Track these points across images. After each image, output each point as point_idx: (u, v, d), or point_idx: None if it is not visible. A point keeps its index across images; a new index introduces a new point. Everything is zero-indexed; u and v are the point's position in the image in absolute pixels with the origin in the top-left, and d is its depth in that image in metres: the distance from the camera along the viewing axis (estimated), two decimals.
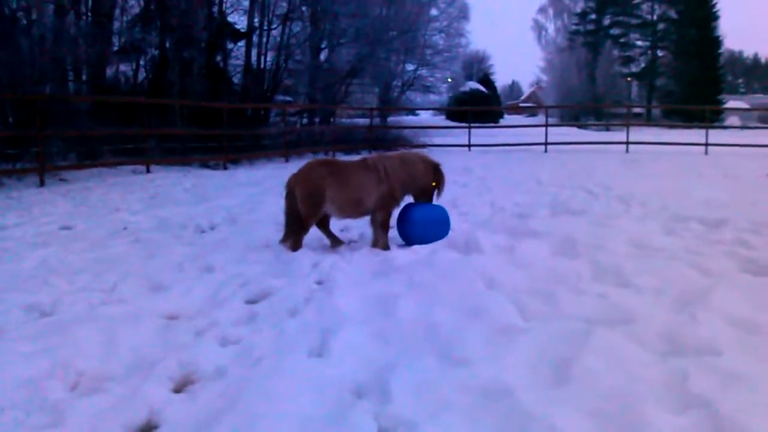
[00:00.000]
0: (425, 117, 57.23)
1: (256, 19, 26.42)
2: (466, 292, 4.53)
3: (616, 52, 65.04)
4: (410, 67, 44.34)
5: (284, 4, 27.63)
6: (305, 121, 29.54)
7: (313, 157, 16.60)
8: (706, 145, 24.44)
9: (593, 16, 69.92)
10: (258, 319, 4.49)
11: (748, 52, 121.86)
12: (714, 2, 61.38)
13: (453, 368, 3.41)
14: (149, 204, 10.85)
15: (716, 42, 61.07)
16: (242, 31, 26.35)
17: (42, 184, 13.07)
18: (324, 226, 7.19)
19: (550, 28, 76.58)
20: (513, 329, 3.85)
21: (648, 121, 52.60)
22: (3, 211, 9.83)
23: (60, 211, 9.91)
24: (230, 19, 26.76)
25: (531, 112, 67.92)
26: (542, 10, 76.48)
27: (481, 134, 29.61)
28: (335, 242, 7.14)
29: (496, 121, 48.61)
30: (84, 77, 20.81)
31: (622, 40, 67.51)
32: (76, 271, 5.86)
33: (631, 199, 9.84)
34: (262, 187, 12.91)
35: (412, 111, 53.59)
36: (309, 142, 24.68)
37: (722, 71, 62.73)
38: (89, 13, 20.97)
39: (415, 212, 7.04)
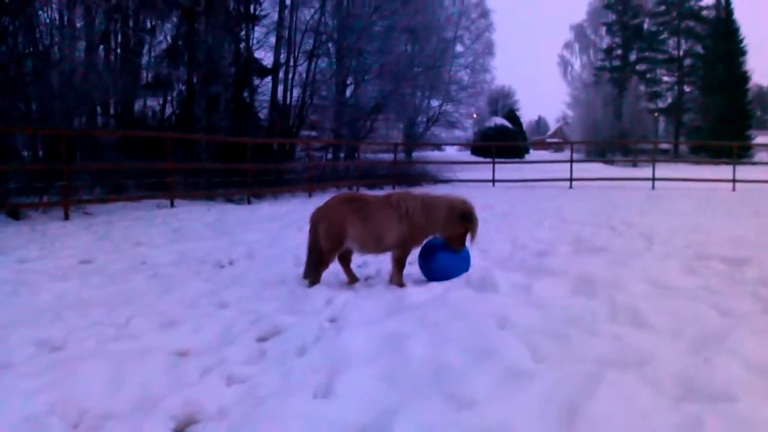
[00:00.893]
0: (451, 152, 57.44)
1: (282, 56, 26.80)
2: (477, 332, 4.45)
3: (642, 88, 64.98)
4: (435, 102, 44.74)
5: (310, 41, 28.06)
6: (330, 155, 29.75)
7: (336, 192, 16.65)
8: (734, 181, 24.13)
9: (619, 52, 70.06)
10: (266, 357, 4.46)
11: None
12: (741, 37, 61.15)
13: (459, 411, 3.33)
14: (170, 238, 10.91)
15: (743, 77, 60.69)
16: (268, 67, 26.74)
17: (66, 217, 13.23)
18: (345, 262, 7.18)
19: (576, 63, 76.89)
20: (523, 371, 3.76)
21: (675, 156, 52.22)
22: (26, 243, 9.95)
23: (81, 244, 10.00)
24: (257, 55, 27.25)
25: (557, 147, 67.80)
26: (568, 45, 76.93)
27: (506, 169, 29.60)
28: (352, 279, 7.12)
29: (522, 157, 48.66)
30: (112, 111, 21.21)
31: (648, 75, 67.51)
32: (91, 305, 5.87)
33: (654, 236, 9.68)
34: (283, 222, 12.94)
35: (437, 146, 53.82)
36: (333, 177, 24.84)
37: (750, 106, 62.19)
38: (118, 49, 21.43)
39: (434, 248, 7.00)
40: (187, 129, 21.05)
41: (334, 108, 29.10)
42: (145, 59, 23.03)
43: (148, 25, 22.37)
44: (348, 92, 30.60)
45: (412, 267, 7.54)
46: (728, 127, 53.50)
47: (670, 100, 67.71)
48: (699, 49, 65.29)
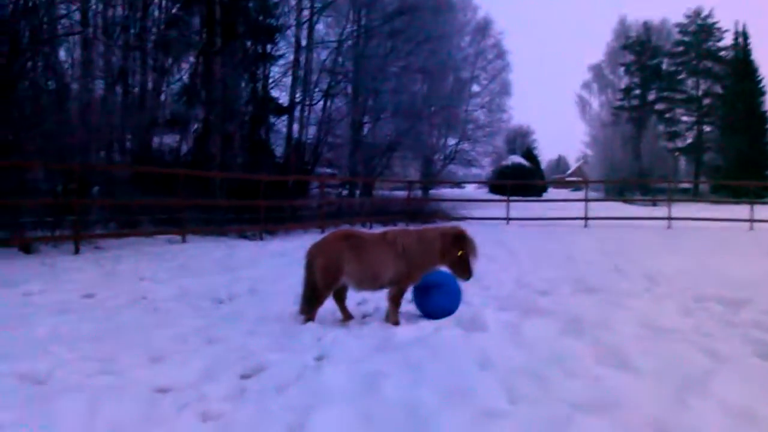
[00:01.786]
0: (469, 190, 57.51)
1: (298, 95, 27.17)
2: (456, 373, 4.44)
3: (661, 128, 64.80)
4: (452, 141, 44.89)
5: (326, 81, 28.42)
6: (346, 192, 29.92)
7: (349, 228, 16.68)
8: (752, 221, 23.90)
9: (638, 92, 70.08)
10: (245, 394, 4.45)
11: None
12: (760, 77, 61.03)
13: None
14: (176, 274, 10.96)
15: (763, 117, 60.36)
16: (285, 105, 27.08)
17: (77, 251, 13.37)
18: (340, 299, 7.20)
19: (594, 103, 76.99)
20: (495, 412, 3.74)
21: (695, 196, 51.88)
22: (32, 277, 10.04)
23: (87, 278, 10.09)
24: (274, 93, 27.65)
25: (576, 186, 67.63)
26: (586, 85, 77.12)
27: (521, 208, 29.52)
28: (346, 317, 7.12)
29: (539, 195, 48.56)
30: (129, 147, 21.54)
31: (667, 115, 67.40)
32: (82, 339, 5.91)
33: (657, 276, 9.62)
34: (290, 258, 12.96)
35: (455, 184, 53.95)
36: (347, 214, 24.91)
37: None
38: (137, 87, 21.84)
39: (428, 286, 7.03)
40: (203, 166, 21.29)
41: (350, 146, 29.36)
42: (162, 97, 23.42)
43: (166, 64, 22.77)
44: (364, 130, 30.84)
45: (410, 305, 7.55)
46: (748, 166, 53.12)
47: (689, 140, 67.48)
48: (718, 89, 65.20)
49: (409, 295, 7.39)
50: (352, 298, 7.57)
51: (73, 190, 14.08)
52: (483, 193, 50.66)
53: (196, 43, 22.24)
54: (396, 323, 6.70)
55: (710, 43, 66.53)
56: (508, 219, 26.59)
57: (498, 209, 28.84)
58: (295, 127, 27.38)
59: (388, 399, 4.08)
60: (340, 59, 28.79)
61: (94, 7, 19.53)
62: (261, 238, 18.79)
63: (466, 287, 7.28)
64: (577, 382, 4.28)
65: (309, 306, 6.89)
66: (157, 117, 22.24)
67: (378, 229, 10.78)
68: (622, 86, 72.51)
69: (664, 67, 69.66)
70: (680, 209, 27.89)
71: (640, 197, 47.94)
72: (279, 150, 27.70)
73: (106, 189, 18.24)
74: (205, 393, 4.43)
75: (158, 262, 12.47)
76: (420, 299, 7.13)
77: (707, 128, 66.44)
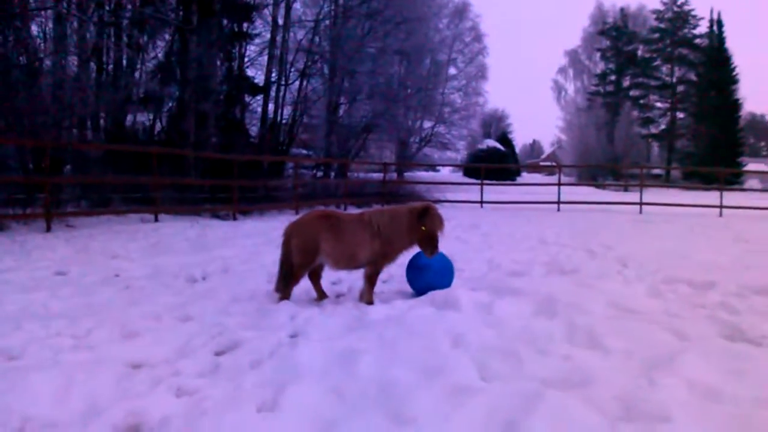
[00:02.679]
0: (444, 173, 57.62)
1: (274, 74, 26.93)
2: (429, 350, 4.49)
3: (635, 113, 65.29)
4: (428, 123, 44.83)
5: (302, 61, 28.22)
6: (321, 174, 29.83)
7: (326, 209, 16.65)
8: (721, 207, 24.26)
9: (613, 78, 70.50)
10: (219, 370, 4.47)
11: None
12: (733, 65, 61.61)
13: (398, 428, 3.36)
14: (148, 252, 10.92)
15: (735, 104, 61.02)
16: (260, 85, 26.85)
17: (48, 229, 13.23)
18: (315, 278, 7.23)
19: (570, 88, 77.35)
20: (468, 389, 3.79)
21: (667, 182, 52.49)
22: (3, 254, 9.96)
23: (58, 256, 10.00)
24: (249, 72, 27.37)
25: (550, 171, 68.04)
26: (562, 70, 77.43)
27: (495, 191, 29.69)
28: (321, 296, 7.16)
29: (513, 179, 48.82)
30: (102, 125, 21.26)
31: (641, 101, 67.87)
32: (55, 316, 5.88)
33: (629, 260, 9.75)
34: (263, 239, 12.96)
35: (431, 167, 53.98)
36: (322, 195, 24.86)
37: (742, 134, 62.54)
38: (111, 65, 21.52)
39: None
40: (176, 145, 21.07)
41: (326, 127, 29.19)
42: (137, 75, 23.09)
43: (141, 41, 22.44)
44: (340, 111, 30.69)
45: (384, 285, 7.62)
46: (720, 153, 53.80)
47: (662, 126, 68.07)
48: (692, 76, 65.76)
49: (384, 275, 7.46)
50: (327, 278, 7.60)
51: (45, 167, 13.90)
52: (458, 176, 50.85)
53: (171, 21, 21.91)
54: (370, 302, 6.75)
55: (685, 31, 67.01)
56: (482, 202, 26.71)
57: (472, 193, 29.00)
58: (271, 107, 27.15)
59: (361, 376, 4.12)
60: (317, 39, 28.57)
61: None
62: (234, 218, 18.72)
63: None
64: (549, 360, 4.36)
65: (285, 284, 6.91)
66: (132, 95, 21.93)
67: (353, 211, 10.80)
68: (598, 72, 72.88)
69: (639, 53, 70.04)
70: (652, 195, 28.26)
71: (613, 182, 48.39)
72: (254, 130, 27.47)
73: (78, 167, 18.04)
74: (180, 369, 4.45)
75: (131, 240, 12.39)
76: (413, 276, 7.27)
77: (680, 115, 67.09)
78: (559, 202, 25.83)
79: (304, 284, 7.14)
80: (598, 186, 44.72)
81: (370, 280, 6.96)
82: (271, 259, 9.70)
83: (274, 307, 6.43)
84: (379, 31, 30.11)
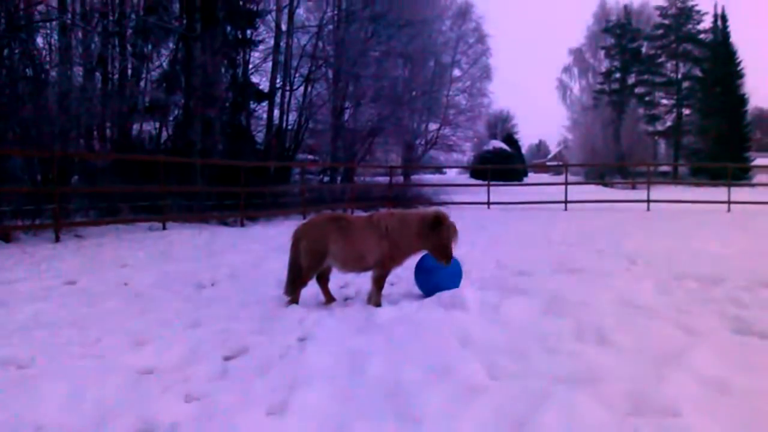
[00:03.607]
0: (451, 175, 57.60)
1: (278, 80, 27.01)
2: (437, 350, 4.49)
3: (641, 111, 65.07)
4: (433, 126, 44.85)
5: (306, 66, 28.28)
6: (327, 179, 29.86)
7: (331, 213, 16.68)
8: (729, 203, 24.17)
9: (618, 75, 70.36)
10: (228, 375, 4.49)
11: None
12: (739, 60, 61.34)
13: (407, 428, 3.36)
14: (157, 260, 10.96)
15: (742, 99, 60.73)
16: (265, 91, 26.92)
17: (57, 240, 13.29)
18: (323, 281, 7.24)
19: (575, 87, 77.37)
20: (476, 388, 3.80)
21: (674, 178, 52.35)
22: (13, 265, 10.02)
23: (68, 266, 10.04)
24: (254, 79, 27.44)
25: (556, 170, 67.96)
26: (566, 69, 77.44)
27: (502, 192, 29.67)
28: (329, 299, 7.17)
29: (520, 180, 48.77)
30: (109, 135, 21.35)
31: (647, 98, 67.66)
32: (65, 325, 5.91)
33: (637, 257, 9.72)
34: (271, 245, 12.98)
35: (437, 169, 53.96)
36: (329, 200, 24.90)
37: (749, 129, 62.23)
38: (116, 74, 21.62)
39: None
40: (183, 153, 21.16)
41: (331, 131, 29.27)
42: (142, 84, 23.19)
43: (146, 50, 22.53)
44: (345, 116, 30.72)
45: (392, 287, 7.63)
46: (727, 149, 53.50)
47: (669, 123, 67.85)
48: (697, 72, 65.57)
49: (391, 277, 7.47)
50: (335, 281, 7.62)
51: (53, 178, 13.98)
52: (464, 178, 50.76)
53: (175, 29, 22.01)
54: (378, 305, 6.75)
55: (689, 26, 66.82)
56: (488, 203, 26.72)
57: (479, 194, 28.97)
58: (276, 113, 27.22)
59: (370, 377, 4.13)
60: (320, 44, 28.60)
61: None
62: (242, 225, 18.77)
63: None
64: (557, 358, 4.35)
65: (293, 288, 6.93)
66: (137, 104, 22.03)
67: (360, 215, 10.83)
68: (603, 70, 72.78)
69: (643, 50, 69.92)
70: (659, 192, 28.21)
71: (620, 180, 48.30)
72: (260, 136, 27.53)
73: (86, 177, 18.12)
74: (189, 375, 4.46)
75: (139, 249, 12.43)
76: (421, 279, 7.27)
77: (686, 111, 66.86)
78: (566, 202, 25.81)
79: (313, 288, 7.16)
80: (605, 184, 44.64)
81: (378, 283, 6.96)
82: (279, 265, 9.69)
83: (282, 311, 6.45)
84: (382, 35, 30.15)
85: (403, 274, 8.23)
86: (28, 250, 11.88)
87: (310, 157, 31.04)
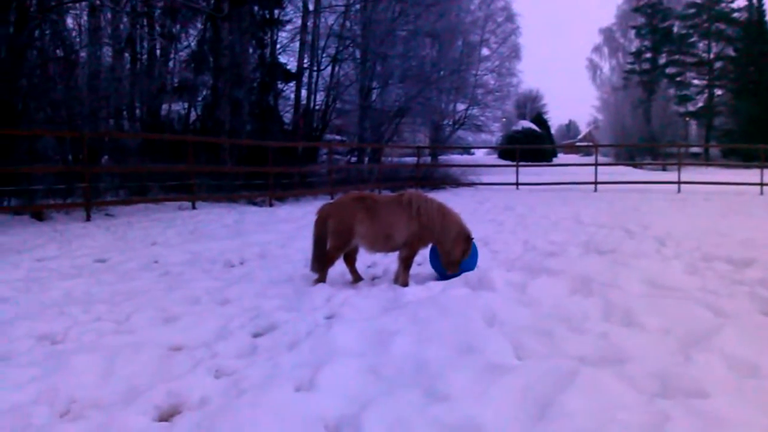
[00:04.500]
0: (479, 156, 57.31)
1: (306, 60, 27.00)
2: (464, 329, 4.50)
3: (672, 91, 64.13)
4: (461, 106, 44.58)
5: (334, 46, 28.22)
6: (354, 159, 29.89)
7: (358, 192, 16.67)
8: (762, 185, 23.78)
9: (648, 55, 69.34)
10: (257, 352, 4.55)
11: None
12: None
13: (433, 405, 3.37)
14: (187, 239, 11.08)
15: None
16: (293, 71, 26.95)
17: (88, 218, 13.50)
18: (350, 261, 7.28)
19: (605, 67, 76.49)
20: (503, 367, 3.79)
21: (706, 160, 51.57)
22: (45, 243, 10.20)
23: (99, 244, 10.21)
24: (282, 59, 27.50)
25: (586, 151, 67.31)
26: (597, 49, 76.56)
27: (531, 173, 29.47)
28: (356, 278, 7.20)
29: (549, 160, 48.39)
30: (138, 115, 21.58)
31: (678, 78, 66.68)
32: (96, 301, 6.02)
33: (667, 238, 9.61)
34: (299, 224, 13.04)
35: (465, 149, 53.72)
36: (356, 180, 24.94)
37: None
38: (144, 55, 21.79)
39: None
40: (211, 133, 21.32)
41: (358, 112, 29.25)
42: (170, 64, 23.35)
43: (174, 30, 22.64)
44: (373, 96, 30.65)
45: (419, 267, 7.65)
46: (760, 130, 52.52)
47: (700, 104, 66.86)
48: (730, 51, 64.39)
49: (419, 257, 7.48)
50: (362, 261, 7.66)
51: (83, 157, 14.17)
52: (493, 158, 50.48)
53: (203, 9, 22.08)
54: (405, 284, 6.77)
55: (723, 5, 65.48)
56: (517, 184, 26.59)
57: (507, 175, 28.83)
58: (303, 93, 27.27)
59: (396, 355, 4.15)
60: (348, 23, 28.50)
61: None
62: (270, 205, 18.87)
63: None
64: (584, 338, 4.34)
65: (320, 265, 6.95)
66: (166, 84, 22.22)
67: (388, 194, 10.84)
68: (633, 50, 71.77)
69: (675, 29, 68.78)
70: (690, 173, 27.82)
71: (650, 161, 47.72)
72: (287, 116, 27.65)
73: (115, 156, 18.35)
74: (218, 351, 4.52)
75: (169, 228, 12.58)
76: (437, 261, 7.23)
77: (718, 92, 65.79)
78: (596, 183, 25.58)
79: (340, 267, 7.20)
80: (635, 165, 44.15)
81: (405, 262, 6.97)
82: (307, 244, 9.69)
83: (310, 289, 6.50)
84: (409, 14, 29.97)
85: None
86: (60, 229, 12.08)
87: (338, 137, 31.08)
